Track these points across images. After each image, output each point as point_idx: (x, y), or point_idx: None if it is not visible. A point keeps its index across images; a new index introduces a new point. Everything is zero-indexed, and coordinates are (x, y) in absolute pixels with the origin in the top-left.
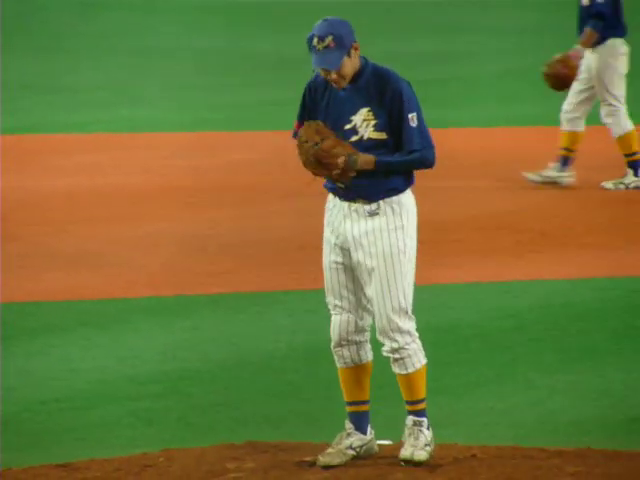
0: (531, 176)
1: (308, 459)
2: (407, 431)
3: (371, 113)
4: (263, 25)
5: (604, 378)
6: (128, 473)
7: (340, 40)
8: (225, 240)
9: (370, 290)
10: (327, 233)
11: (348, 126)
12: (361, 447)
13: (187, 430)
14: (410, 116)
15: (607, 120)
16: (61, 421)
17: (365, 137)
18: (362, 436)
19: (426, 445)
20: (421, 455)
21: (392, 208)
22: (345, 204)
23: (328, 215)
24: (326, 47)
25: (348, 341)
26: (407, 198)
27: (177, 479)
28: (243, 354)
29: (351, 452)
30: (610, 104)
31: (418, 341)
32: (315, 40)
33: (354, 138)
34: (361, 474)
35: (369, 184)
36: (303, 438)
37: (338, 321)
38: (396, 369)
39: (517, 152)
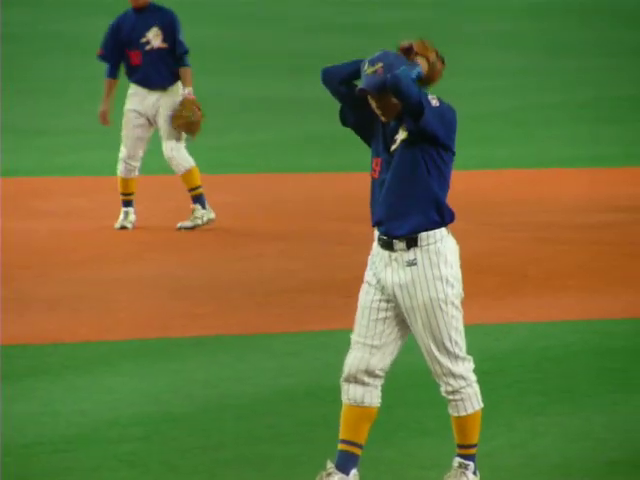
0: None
1: None
2: (451, 472)
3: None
4: (248, 69)
5: (585, 420)
6: None
7: (390, 69)
8: (208, 282)
9: (417, 337)
10: (369, 275)
11: (394, 147)
12: None
13: (170, 473)
14: (430, 97)
15: (171, 154)
16: (43, 465)
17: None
18: (343, 476)
19: None
20: None
21: (430, 258)
22: (386, 253)
23: (371, 262)
24: (374, 72)
25: (356, 379)
26: (445, 244)
27: None
28: (226, 397)
29: None
30: (176, 139)
31: (475, 385)
32: (366, 65)
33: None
34: None
35: (398, 218)
36: None
37: (352, 356)
38: (450, 410)
39: (497, 195)
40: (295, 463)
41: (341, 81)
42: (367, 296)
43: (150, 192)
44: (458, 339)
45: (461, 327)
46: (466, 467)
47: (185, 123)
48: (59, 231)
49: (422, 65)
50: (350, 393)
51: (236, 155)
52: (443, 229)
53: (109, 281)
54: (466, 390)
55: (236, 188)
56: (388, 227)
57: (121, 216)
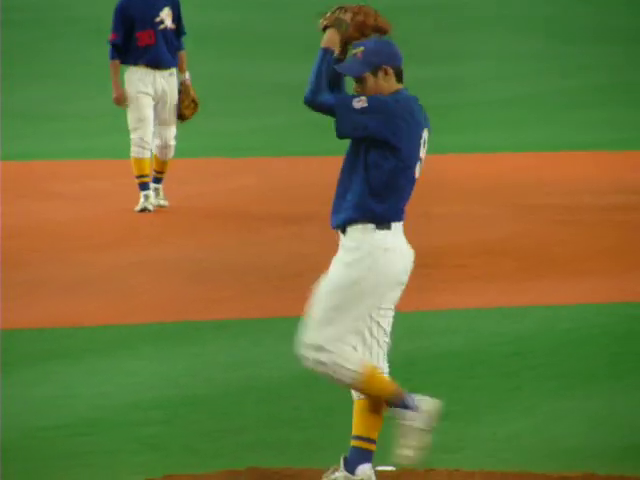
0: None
1: None
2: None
3: None
4: (262, 52)
5: (606, 403)
6: None
7: (369, 55)
8: (228, 266)
9: None
10: None
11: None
12: None
13: (191, 456)
14: (358, 98)
15: (174, 142)
16: (63, 448)
17: None
18: (347, 475)
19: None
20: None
21: (349, 244)
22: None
23: None
24: (354, 55)
25: None
26: (369, 236)
27: None
28: (246, 380)
29: None
30: (174, 127)
31: (335, 356)
32: (352, 47)
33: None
34: None
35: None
36: (306, 464)
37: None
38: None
39: (520, 178)
40: (316, 446)
41: (326, 88)
42: None
43: (168, 176)
44: (326, 330)
45: (339, 324)
46: (403, 412)
47: (193, 112)
48: (77, 214)
49: (331, 37)
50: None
51: (255, 138)
52: (371, 225)
53: (129, 264)
54: (328, 358)
55: (255, 171)
56: (331, 218)
57: (141, 199)
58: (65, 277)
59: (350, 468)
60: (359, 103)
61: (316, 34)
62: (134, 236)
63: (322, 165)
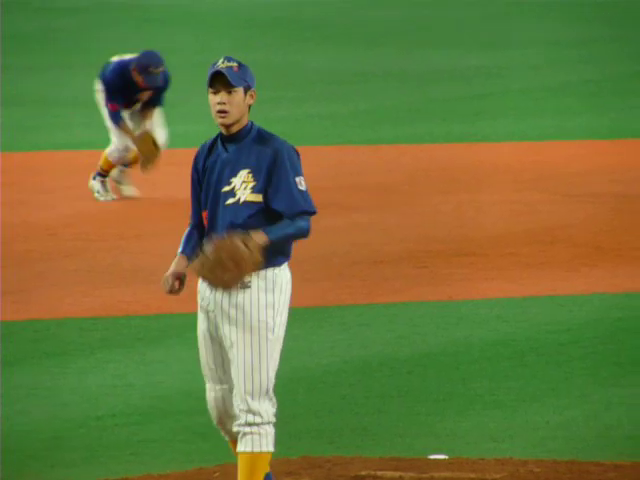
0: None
1: (363, 473)
2: None
3: (250, 175)
4: (315, 40)
5: None
6: None
7: (244, 71)
8: None
9: (233, 366)
10: (199, 299)
11: (227, 188)
12: None
13: None
14: (297, 179)
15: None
16: (116, 436)
17: (242, 200)
18: None
19: None
20: None
21: (265, 283)
22: None
23: (200, 282)
24: (230, 67)
25: (230, 416)
26: (282, 274)
27: None
28: (297, 369)
29: None
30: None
31: (272, 427)
32: (220, 60)
33: (231, 200)
34: None
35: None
36: (358, 452)
37: (212, 397)
38: (241, 446)
39: (571, 165)
40: (367, 434)
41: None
42: (201, 326)
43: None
44: (272, 375)
45: (277, 363)
46: None
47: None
48: (132, 203)
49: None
50: (228, 430)
51: (310, 126)
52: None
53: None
54: (263, 427)
55: (307, 159)
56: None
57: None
58: (117, 266)
59: None
60: (302, 186)
61: (371, 19)
62: (184, 225)
63: (377, 153)
